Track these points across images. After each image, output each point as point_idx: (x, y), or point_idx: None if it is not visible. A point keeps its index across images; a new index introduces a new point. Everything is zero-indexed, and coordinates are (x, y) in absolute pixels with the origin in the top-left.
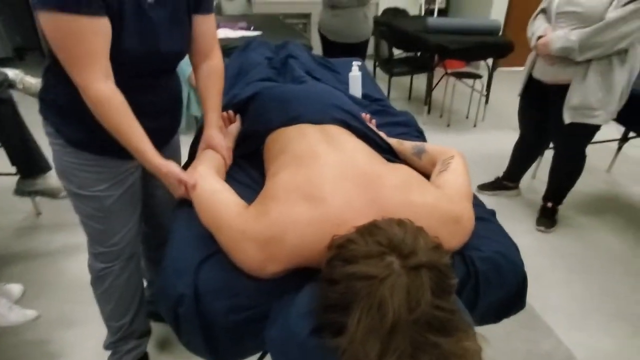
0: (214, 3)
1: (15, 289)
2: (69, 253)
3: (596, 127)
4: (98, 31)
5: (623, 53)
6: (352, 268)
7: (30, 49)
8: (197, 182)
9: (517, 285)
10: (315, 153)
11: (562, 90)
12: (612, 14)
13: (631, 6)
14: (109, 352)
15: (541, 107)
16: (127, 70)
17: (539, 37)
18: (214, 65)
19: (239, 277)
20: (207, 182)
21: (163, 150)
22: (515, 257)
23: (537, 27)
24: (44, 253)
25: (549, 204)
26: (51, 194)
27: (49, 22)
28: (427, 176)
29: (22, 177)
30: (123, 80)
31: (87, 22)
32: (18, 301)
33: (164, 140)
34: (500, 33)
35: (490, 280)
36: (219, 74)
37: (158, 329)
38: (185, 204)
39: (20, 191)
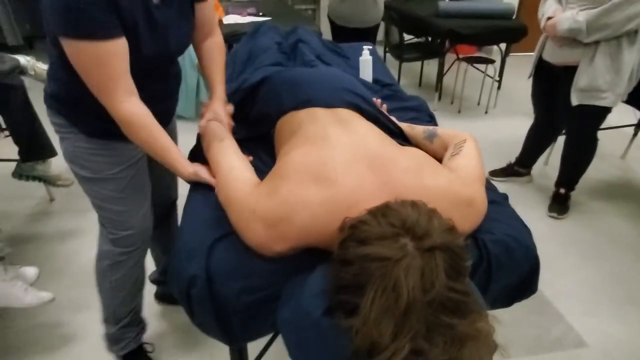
0: None
1: (31, 271)
2: (81, 238)
3: (606, 110)
4: (116, 53)
5: (633, 34)
6: (366, 249)
7: (40, 37)
8: (218, 162)
9: (529, 268)
10: (327, 135)
11: (570, 72)
12: None
13: None
14: (111, 342)
15: (552, 89)
16: (142, 68)
17: (549, 18)
18: (215, 41)
19: (251, 258)
20: (226, 159)
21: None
22: (528, 241)
23: (547, 7)
24: (57, 238)
25: (562, 190)
26: (49, 180)
27: (70, 49)
28: (439, 160)
29: (22, 160)
30: (138, 75)
31: (104, 46)
32: (33, 284)
33: (168, 120)
34: (514, 17)
35: (502, 264)
36: (221, 50)
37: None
38: (200, 186)
39: (18, 174)
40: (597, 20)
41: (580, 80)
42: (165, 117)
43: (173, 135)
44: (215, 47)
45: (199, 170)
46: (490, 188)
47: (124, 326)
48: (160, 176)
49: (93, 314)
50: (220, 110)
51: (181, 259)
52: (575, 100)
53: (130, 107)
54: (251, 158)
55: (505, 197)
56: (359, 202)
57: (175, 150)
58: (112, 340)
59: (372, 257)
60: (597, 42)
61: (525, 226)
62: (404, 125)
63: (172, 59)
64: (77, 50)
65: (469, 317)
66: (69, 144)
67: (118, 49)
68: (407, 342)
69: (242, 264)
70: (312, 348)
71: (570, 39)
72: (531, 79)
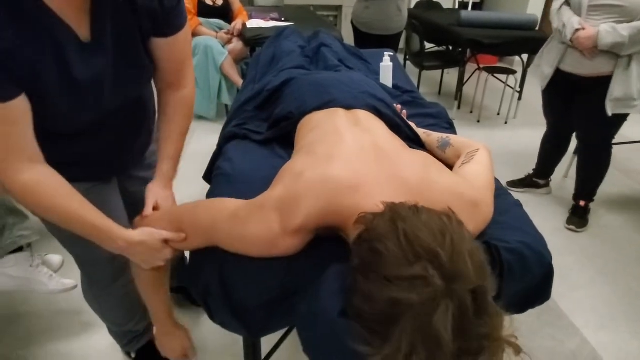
0: None
1: (56, 259)
2: None
3: (625, 117)
4: (11, 116)
5: None
6: (392, 290)
7: None
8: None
9: (542, 276)
10: (340, 133)
11: (598, 82)
12: None
13: None
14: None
15: (569, 99)
16: (68, 128)
17: (576, 31)
18: (183, 96)
19: (265, 259)
20: (191, 204)
21: (137, 171)
22: (542, 248)
23: (568, 19)
24: None
25: (581, 203)
26: None
27: None
28: (452, 169)
29: None
30: (61, 138)
31: None
32: (57, 271)
33: (136, 162)
34: (537, 28)
35: (514, 271)
36: (188, 106)
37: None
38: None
39: None
40: (639, 34)
41: (616, 90)
42: (125, 163)
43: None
44: (178, 104)
45: (143, 229)
46: (504, 194)
47: (127, 330)
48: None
49: None
50: (162, 194)
51: (196, 266)
52: (610, 110)
53: (31, 176)
54: None
55: (518, 203)
56: (364, 184)
57: (102, 215)
58: (119, 336)
59: (402, 302)
60: (631, 54)
61: (539, 234)
62: (420, 132)
63: (112, 115)
64: None
65: (493, 337)
66: None
67: (14, 112)
68: None
69: (258, 265)
70: (325, 346)
71: (604, 51)
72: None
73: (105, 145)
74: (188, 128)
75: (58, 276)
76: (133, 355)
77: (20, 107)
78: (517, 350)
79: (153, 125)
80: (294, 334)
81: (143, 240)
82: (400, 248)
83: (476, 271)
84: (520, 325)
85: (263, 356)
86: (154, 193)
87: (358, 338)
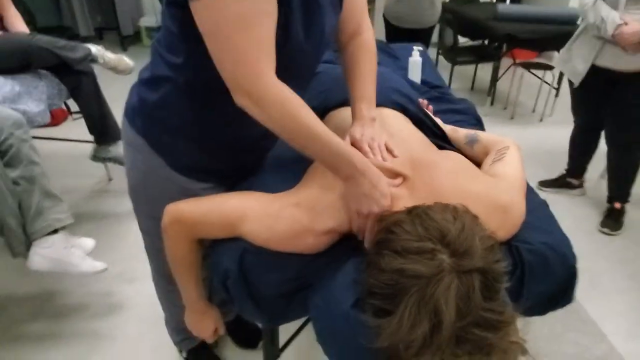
0: None
1: (88, 242)
2: (134, 217)
3: None
4: (272, 13)
5: None
6: (401, 262)
7: (109, 28)
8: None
9: (565, 277)
10: None
11: (637, 77)
12: None
13: None
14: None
15: (604, 95)
16: (283, 73)
17: (618, 26)
18: (363, 39)
19: (285, 253)
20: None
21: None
22: (565, 249)
23: (607, 14)
24: (113, 215)
25: (616, 205)
26: (121, 161)
27: (211, 10)
28: (480, 164)
29: (97, 144)
30: None
31: (260, 3)
32: (89, 254)
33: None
34: (579, 22)
35: (536, 272)
36: (367, 50)
37: None
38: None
39: (95, 157)
40: None
41: None
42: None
43: None
44: (360, 47)
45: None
46: (529, 192)
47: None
48: None
49: (141, 286)
50: (367, 132)
51: (218, 254)
52: None
53: (280, 83)
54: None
55: (544, 203)
56: (394, 197)
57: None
58: (175, 332)
59: (408, 273)
60: None
61: (564, 234)
62: (447, 128)
63: (317, 58)
64: (226, 9)
65: (501, 331)
66: (139, 176)
67: (273, 11)
68: (433, 355)
69: (278, 257)
70: (339, 337)
71: None
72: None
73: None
74: (375, 71)
75: (90, 258)
76: (184, 355)
77: (274, 9)
78: (523, 351)
79: None
80: (311, 324)
81: (369, 171)
82: (413, 227)
83: (485, 253)
84: (544, 328)
85: (281, 344)
86: (358, 134)
87: (369, 318)
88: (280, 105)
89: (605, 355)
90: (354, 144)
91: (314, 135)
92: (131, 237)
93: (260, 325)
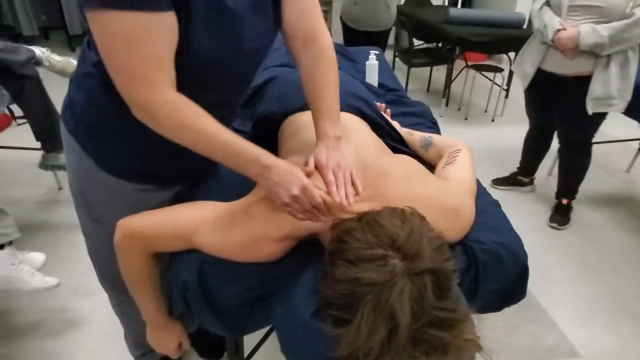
0: None
1: (38, 257)
2: None
3: (604, 116)
4: (162, 29)
5: (637, 46)
6: (355, 271)
7: (55, 28)
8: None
9: (517, 275)
10: None
11: (577, 81)
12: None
13: None
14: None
15: (551, 98)
16: (195, 85)
17: (557, 31)
18: (322, 47)
19: (245, 263)
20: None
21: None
22: (517, 248)
23: (549, 20)
24: (64, 225)
25: (564, 201)
26: None
27: (97, 24)
28: (434, 167)
29: (45, 151)
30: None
31: (147, 19)
32: (40, 269)
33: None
34: (525, 26)
35: (490, 271)
36: (329, 57)
37: None
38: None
39: (44, 165)
40: (618, 35)
41: (596, 89)
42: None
43: None
44: (318, 57)
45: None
46: (482, 194)
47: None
48: None
49: (98, 300)
50: (330, 154)
51: (176, 266)
52: (590, 109)
53: (174, 94)
54: None
55: (497, 204)
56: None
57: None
58: (135, 346)
59: (362, 281)
60: (610, 54)
61: (516, 234)
62: (403, 131)
63: (245, 66)
64: (107, 25)
65: (455, 330)
66: (80, 179)
67: (164, 25)
68: (392, 357)
69: (237, 267)
70: (300, 346)
71: (585, 51)
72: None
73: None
74: (337, 81)
75: (40, 274)
76: None
77: (171, 20)
78: (478, 348)
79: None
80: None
81: (276, 164)
82: (364, 235)
83: (434, 253)
84: (498, 321)
85: (246, 354)
86: (323, 158)
87: (328, 328)
88: (175, 118)
89: (557, 344)
90: (318, 168)
91: (214, 142)
92: (84, 248)
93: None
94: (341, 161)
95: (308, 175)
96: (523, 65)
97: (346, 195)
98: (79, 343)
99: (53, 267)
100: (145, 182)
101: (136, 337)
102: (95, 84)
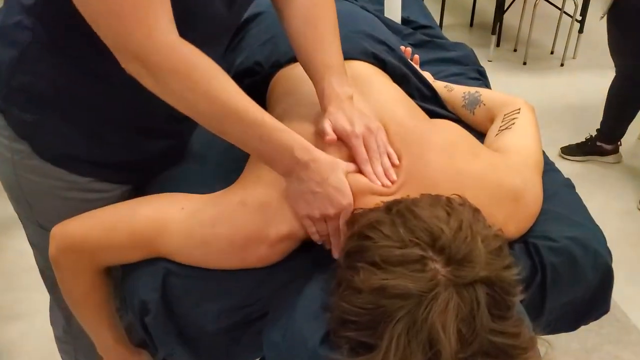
0: None
1: None
2: (8, 227)
3: None
4: None
5: None
6: (381, 277)
7: None
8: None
9: (598, 281)
10: None
11: None
12: None
13: None
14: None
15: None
16: (182, 20)
17: None
18: None
19: (228, 271)
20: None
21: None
22: (597, 245)
23: None
24: None
25: None
26: None
27: None
28: (483, 136)
29: None
30: None
31: None
32: None
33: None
34: None
35: (561, 276)
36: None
37: None
38: None
39: None
40: None
41: None
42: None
43: None
44: (305, 4)
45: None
46: (551, 170)
47: None
48: None
49: (27, 323)
50: (359, 119)
51: (131, 280)
52: None
53: (185, 45)
54: None
55: (568, 182)
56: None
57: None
58: None
59: (391, 291)
60: None
61: (596, 225)
62: (439, 85)
63: (232, 20)
64: None
65: (517, 358)
66: (10, 170)
67: None
68: None
69: (215, 278)
70: None
71: None
72: (605, 20)
73: None
74: (336, 22)
75: None
76: None
77: None
78: None
79: None
80: None
81: (318, 157)
82: (394, 230)
83: (491, 257)
84: (572, 342)
85: None
86: (347, 124)
87: (344, 357)
88: (183, 73)
89: None
90: (343, 139)
91: (233, 114)
92: (6, 257)
93: None
94: (370, 123)
95: (330, 144)
96: None
97: (385, 172)
98: None
99: None
100: (100, 175)
101: None
102: (30, 37)
